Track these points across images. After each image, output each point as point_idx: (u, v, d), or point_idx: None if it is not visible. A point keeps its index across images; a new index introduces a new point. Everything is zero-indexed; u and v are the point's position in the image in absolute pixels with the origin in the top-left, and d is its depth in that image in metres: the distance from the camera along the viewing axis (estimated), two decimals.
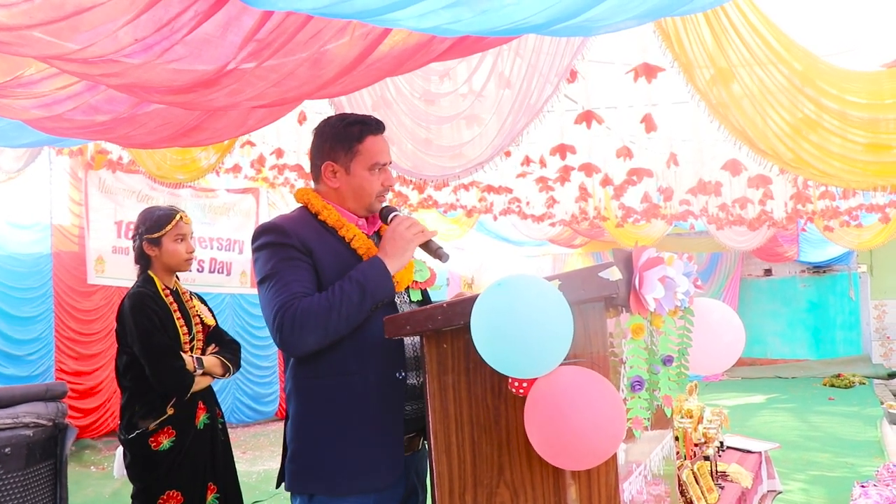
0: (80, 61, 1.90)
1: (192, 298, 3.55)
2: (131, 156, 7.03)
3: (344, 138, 2.36)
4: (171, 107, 2.66)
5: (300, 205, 2.44)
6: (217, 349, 3.50)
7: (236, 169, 7.64)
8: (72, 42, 1.78)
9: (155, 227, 3.40)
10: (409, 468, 2.36)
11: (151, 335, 3.20)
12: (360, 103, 4.40)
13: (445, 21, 1.89)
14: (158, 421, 3.17)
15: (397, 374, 2.26)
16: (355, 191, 2.38)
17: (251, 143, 7.04)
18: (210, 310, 3.66)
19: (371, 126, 2.38)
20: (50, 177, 8.76)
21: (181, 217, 3.46)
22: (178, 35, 1.83)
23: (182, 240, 3.44)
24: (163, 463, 3.16)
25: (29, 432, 1.32)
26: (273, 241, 2.27)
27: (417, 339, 2.32)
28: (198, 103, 2.39)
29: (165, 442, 3.16)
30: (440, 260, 2.34)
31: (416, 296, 2.45)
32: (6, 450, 1.27)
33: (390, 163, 2.44)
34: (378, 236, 2.49)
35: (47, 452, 1.36)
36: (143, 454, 3.15)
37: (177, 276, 3.54)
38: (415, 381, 2.31)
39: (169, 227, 3.40)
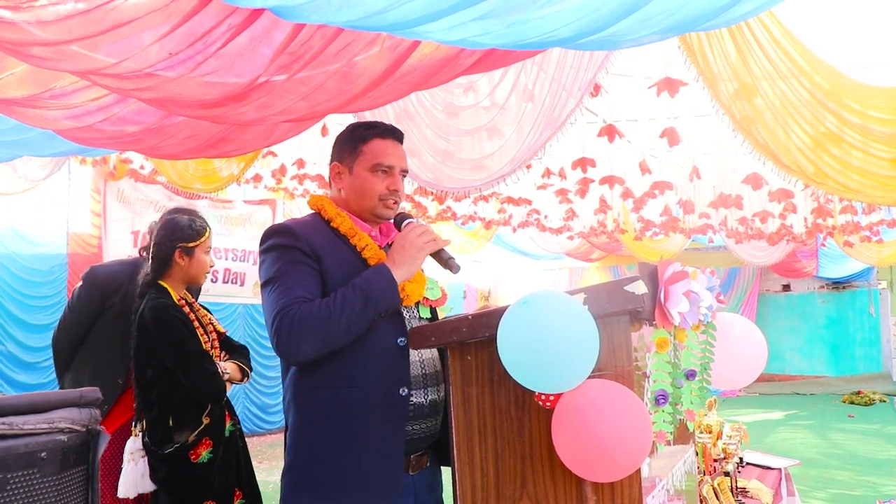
0: (114, 76, 1.93)
1: (201, 308, 3.52)
2: (153, 165, 7.09)
3: (351, 140, 2.34)
4: (198, 119, 2.70)
5: (313, 211, 2.38)
6: (229, 356, 3.48)
7: (257, 179, 7.69)
8: (108, 56, 1.81)
9: (193, 236, 3.35)
10: (419, 487, 2.29)
11: (184, 343, 3.16)
12: (382, 114, 4.42)
13: (474, 34, 1.91)
14: (196, 432, 3.13)
15: (400, 391, 2.17)
16: (357, 191, 2.32)
17: (273, 154, 7.09)
18: (215, 318, 3.62)
19: (379, 130, 2.33)
20: (69, 187, 8.81)
21: (210, 230, 3.46)
22: (211, 48, 1.85)
23: (209, 252, 3.44)
24: (201, 475, 3.12)
25: (64, 437, 1.34)
26: (281, 244, 2.20)
27: (427, 355, 2.30)
28: (227, 117, 2.42)
29: (204, 454, 3.13)
30: (451, 271, 2.26)
31: (425, 312, 2.37)
32: (42, 454, 1.28)
33: (403, 170, 2.36)
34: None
35: (80, 458, 1.37)
36: (183, 468, 3.10)
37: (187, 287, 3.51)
38: (422, 399, 2.24)
39: (204, 238, 3.38)
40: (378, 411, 2.14)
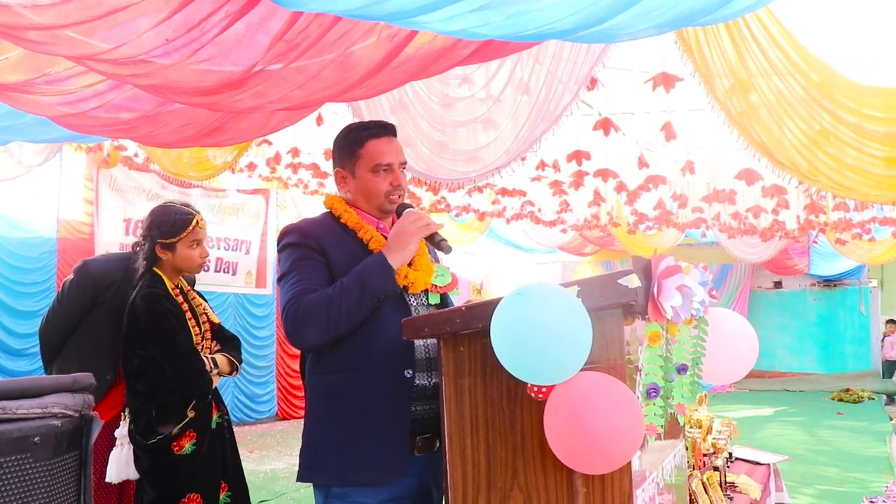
0: (110, 62, 1.92)
1: (196, 296, 3.47)
2: (146, 153, 7.06)
3: (347, 145, 2.46)
4: (194, 107, 2.68)
5: (327, 210, 2.52)
6: (219, 347, 3.43)
7: (251, 167, 7.66)
8: (104, 42, 1.80)
9: (170, 232, 3.25)
10: (424, 468, 2.35)
11: (174, 337, 3.12)
12: (377, 106, 4.41)
13: (472, 24, 1.91)
14: (181, 425, 3.09)
15: (405, 373, 2.27)
16: (363, 193, 2.46)
17: (267, 142, 7.05)
18: (209, 307, 3.57)
19: (372, 130, 2.45)
20: (60, 174, 8.77)
21: (197, 222, 3.32)
22: (208, 35, 1.85)
23: (197, 245, 3.32)
24: (185, 467, 3.08)
25: (57, 422, 1.34)
26: (292, 242, 2.38)
27: (433, 341, 2.32)
28: (223, 105, 2.42)
29: (187, 445, 3.10)
30: (443, 252, 2.38)
31: (434, 299, 2.46)
32: (35, 439, 1.28)
33: (402, 163, 2.47)
34: None
35: (73, 443, 1.37)
36: (165, 459, 3.08)
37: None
38: (426, 381, 2.31)
39: (185, 233, 3.26)
40: (384, 394, 2.26)
